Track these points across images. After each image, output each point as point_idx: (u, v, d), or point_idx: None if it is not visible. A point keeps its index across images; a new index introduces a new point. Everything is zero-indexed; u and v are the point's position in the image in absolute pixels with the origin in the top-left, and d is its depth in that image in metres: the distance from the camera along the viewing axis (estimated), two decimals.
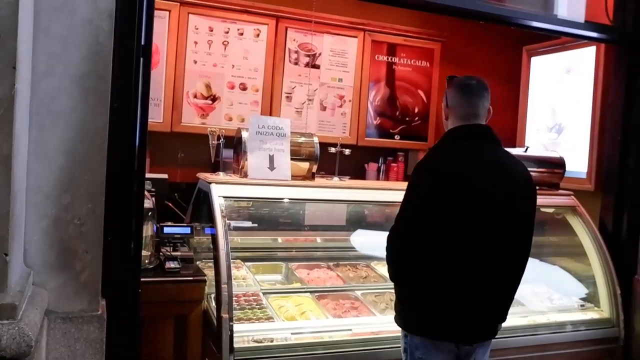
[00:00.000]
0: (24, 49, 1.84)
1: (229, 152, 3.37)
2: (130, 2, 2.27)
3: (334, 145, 3.42)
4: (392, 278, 2.28)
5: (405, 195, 2.21)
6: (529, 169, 2.39)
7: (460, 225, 2.11)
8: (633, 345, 3.39)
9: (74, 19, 2.07)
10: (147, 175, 3.40)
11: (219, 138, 3.11)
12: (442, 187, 2.12)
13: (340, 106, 4.79)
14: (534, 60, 4.60)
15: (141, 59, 2.42)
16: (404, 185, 3.65)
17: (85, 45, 2.09)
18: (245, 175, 2.96)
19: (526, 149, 3.68)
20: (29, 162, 2.04)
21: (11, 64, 1.69)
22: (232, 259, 3.33)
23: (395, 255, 2.19)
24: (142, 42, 2.43)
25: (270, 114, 4.55)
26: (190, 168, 4.28)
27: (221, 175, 3.02)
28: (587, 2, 3.80)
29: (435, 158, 2.27)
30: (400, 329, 2.33)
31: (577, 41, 4.01)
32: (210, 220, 2.84)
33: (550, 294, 3.52)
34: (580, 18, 3.53)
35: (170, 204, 3.90)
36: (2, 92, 1.67)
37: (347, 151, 3.29)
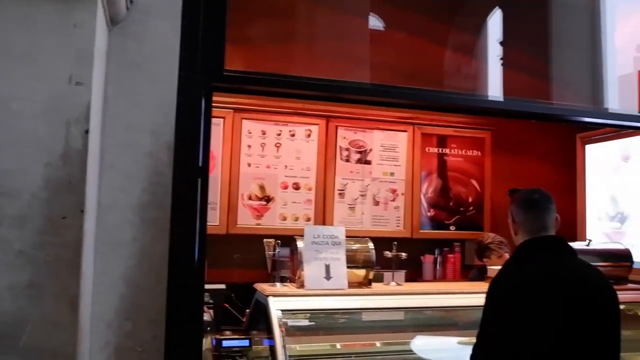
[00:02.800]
0: (91, 189, 1.94)
1: (285, 250, 3.39)
2: (188, 130, 2.37)
3: (394, 242, 3.38)
4: None
5: (483, 315, 2.17)
6: (593, 263, 2.36)
7: (542, 344, 2.05)
8: None
9: (136, 152, 2.18)
10: (205, 286, 3.45)
11: (274, 248, 3.15)
12: (519, 307, 2.09)
13: (393, 200, 4.79)
14: (589, 147, 4.53)
15: (199, 180, 2.51)
16: (463, 286, 3.62)
17: (146, 177, 2.19)
18: (302, 286, 2.95)
19: (588, 243, 3.56)
20: (93, 292, 2.11)
21: (80, 207, 1.78)
22: None
23: None
24: (200, 164, 2.52)
25: (324, 212, 4.60)
26: (247, 269, 4.33)
27: (278, 286, 3.02)
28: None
29: (509, 277, 2.24)
30: None
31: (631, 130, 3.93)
32: (268, 332, 2.82)
33: None
34: (633, 108, 3.48)
35: (227, 306, 3.92)
36: (71, 236, 1.76)
37: (403, 255, 3.25)
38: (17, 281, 1.71)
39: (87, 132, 1.78)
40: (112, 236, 2.15)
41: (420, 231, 4.85)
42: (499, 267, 3.50)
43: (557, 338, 2.07)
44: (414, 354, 3.58)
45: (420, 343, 3.53)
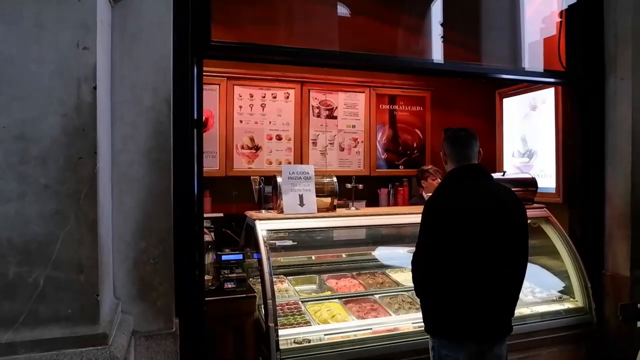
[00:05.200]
0: (103, 135, 1.87)
1: (269, 187, 3.38)
2: (184, 89, 2.29)
3: (353, 176, 3.36)
4: (417, 294, 2.23)
5: (421, 228, 2.17)
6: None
7: (466, 248, 2.08)
8: (604, 329, 3.22)
9: (140, 107, 2.10)
10: (207, 215, 3.41)
11: (259, 183, 3.12)
12: (448, 220, 2.10)
13: (355, 147, 4.76)
14: (505, 100, 4.48)
15: (195, 130, 2.44)
16: (407, 209, 3.64)
17: (150, 127, 2.12)
18: (282, 212, 2.94)
19: (503, 173, 3.58)
20: (113, 217, 2.07)
21: (93, 149, 1.72)
22: (276, 274, 3.31)
23: (419, 276, 2.16)
24: (195, 117, 2.45)
25: (301, 157, 4.55)
26: (243, 202, 4.29)
27: (263, 213, 3.01)
28: (545, 53, 3.73)
29: (440, 196, 2.22)
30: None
31: (539, 84, 3.90)
32: (256, 248, 2.83)
33: (532, 289, 3.38)
34: (540, 67, 3.44)
35: (228, 231, 3.91)
36: (87, 173, 1.70)
37: (360, 186, 3.24)
38: (45, 209, 1.66)
39: (95, 88, 1.69)
40: (126, 175, 2.09)
41: (377, 170, 4.83)
42: None
43: (479, 243, 2.09)
44: (372, 262, 3.65)
45: (376, 253, 3.59)
